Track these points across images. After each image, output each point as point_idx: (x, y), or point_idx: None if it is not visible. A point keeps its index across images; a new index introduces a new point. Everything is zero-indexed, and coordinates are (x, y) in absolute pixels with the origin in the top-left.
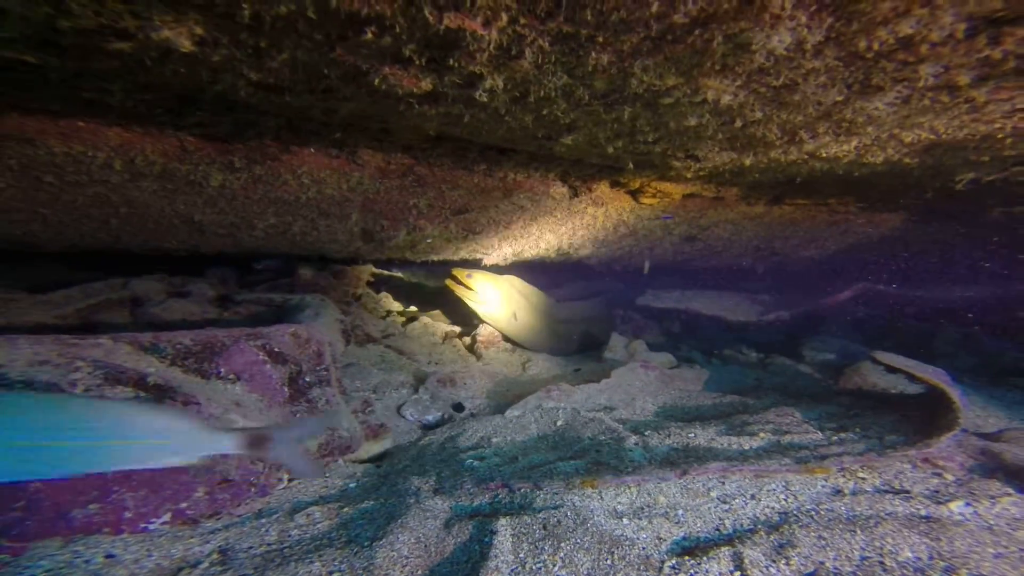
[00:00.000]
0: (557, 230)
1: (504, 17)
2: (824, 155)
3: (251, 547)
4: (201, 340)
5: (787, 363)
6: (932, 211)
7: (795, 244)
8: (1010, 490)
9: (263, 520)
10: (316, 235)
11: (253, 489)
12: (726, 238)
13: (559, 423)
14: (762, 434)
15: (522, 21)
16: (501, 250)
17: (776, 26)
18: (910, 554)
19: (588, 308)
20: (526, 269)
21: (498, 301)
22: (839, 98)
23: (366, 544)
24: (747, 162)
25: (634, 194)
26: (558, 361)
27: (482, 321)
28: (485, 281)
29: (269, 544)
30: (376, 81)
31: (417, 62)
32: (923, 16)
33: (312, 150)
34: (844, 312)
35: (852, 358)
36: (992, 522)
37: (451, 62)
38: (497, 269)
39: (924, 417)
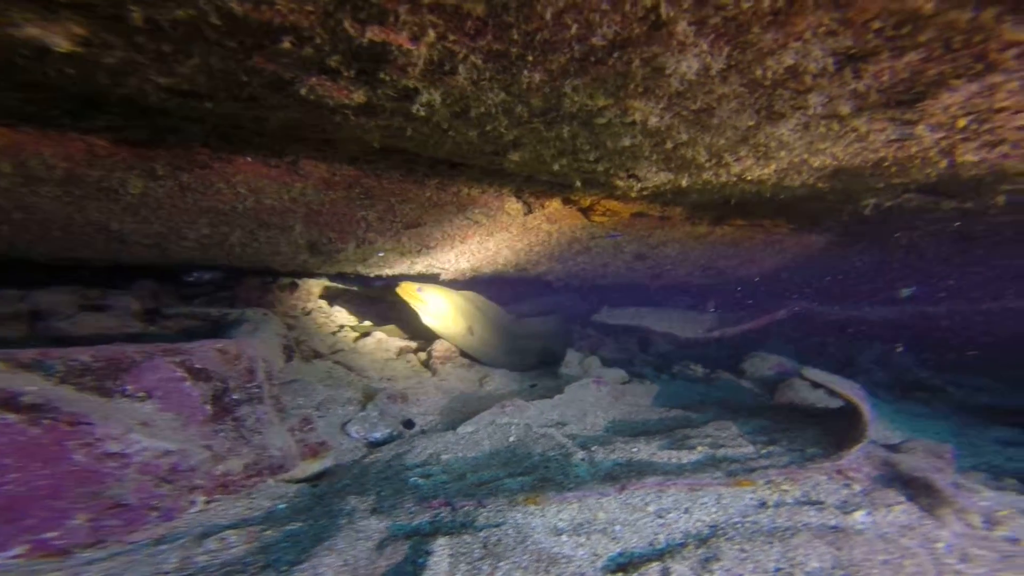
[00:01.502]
0: (514, 246)
1: (432, 33)
2: (750, 178)
3: None
4: (105, 356)
5: (730, 378)
6: (850, 233)
7: (737, 263)
8: (903, 499)
9: (163, 547)
10: (257, 246)
11: (155, 513)
12: (674, 256)
13: (512, 439)
14: (700, 448)
15: (451, 38)
16: (458, 265)
17: (684, 52)
18: (816, 564)
19: (546, 324)
20: (486, 285)
21: (451, 315)
22: (751, 123)
23: (284, 569)
24: (684, 183)
25: (585, 212)
26: (516, 377)
27: (437, 336)
28: (436, 294)
29: (165, 573)
30: (303, 91)
31: (346, 74)
32: (799, 48)
33: (249, 159)
34: (782, 329)
35: (787, 374)
36: (885, 530)
37: (382, 75)
38: (455, 284)
39: (842, 430)
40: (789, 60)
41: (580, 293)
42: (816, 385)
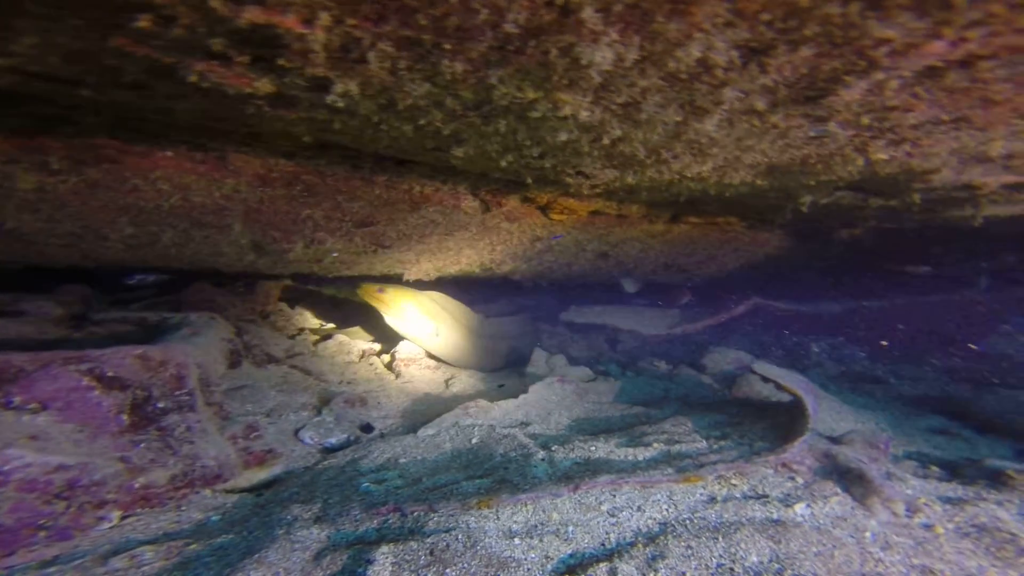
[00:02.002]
0: (476, 245)
1: (325, 16)
2: (691, 175)
3: None
4: None
5: (692, 374)
6: (798, 231)
7: (697, 261)
8: (839, 490)
9: (50, 569)
10: (195, 247)
11: (44, 534)
12: (635, 255)
13: (475, 441)
14: (656, 444)
15: (351, 22)
16: (420, 265)
17: (596, 41)
18: (755, 559)
19: (515, 324)
20: (454, 285)
21: (416, 316)
22: (679, 118)
23: None
24: (630, 180)
25: (543, 210)
26: (483, 377)
27: (401, 337)
28: (399, 295)
29: None
30: (192, 78)
31: (238, 59)
32: (703, 40)
33: (168, 153)
34: (742, 325)
35: (745, 369)
36: (821, 522)
37: (283, 62)
38: (421, 285)
39: (788, 423)
40: (697, 52)
41: (550, 293)
42: (766, 379)
